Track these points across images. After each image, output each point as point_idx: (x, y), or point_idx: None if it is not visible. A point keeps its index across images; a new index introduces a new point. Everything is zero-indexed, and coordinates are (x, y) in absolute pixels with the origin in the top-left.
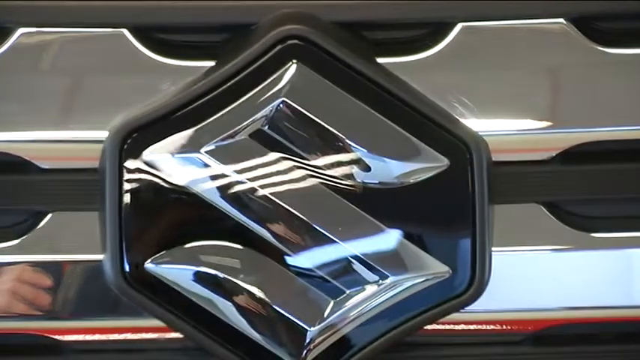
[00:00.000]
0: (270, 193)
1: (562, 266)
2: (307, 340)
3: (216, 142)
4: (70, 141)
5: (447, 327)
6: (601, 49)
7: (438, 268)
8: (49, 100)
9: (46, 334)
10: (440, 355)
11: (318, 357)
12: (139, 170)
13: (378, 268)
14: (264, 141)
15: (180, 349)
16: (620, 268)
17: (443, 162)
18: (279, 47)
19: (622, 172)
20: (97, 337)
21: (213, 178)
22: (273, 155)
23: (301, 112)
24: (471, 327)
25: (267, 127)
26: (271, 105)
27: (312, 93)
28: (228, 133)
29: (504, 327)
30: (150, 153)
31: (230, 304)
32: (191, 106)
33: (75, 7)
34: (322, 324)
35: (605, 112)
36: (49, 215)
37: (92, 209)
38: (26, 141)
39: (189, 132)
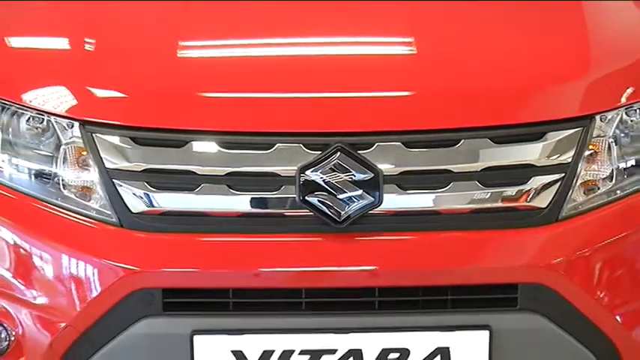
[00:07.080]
0: (332, 182)
1: (402, 200)
2: (342, 213)
3: (320, 172)
4: (288, 170)
5: (375, 212)
6: (411, 151)
7: (371, 199)
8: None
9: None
10: (373, 220)
11: (344, 219)
12: (303, 177)
13: (355, 200)
14: (330, 171)
15: (308, 216)
16: (415, 201)
17: (372, 174)
18: (334, 150)
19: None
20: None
21: (320, 178)
22: (332, 174)
23: (341, 164)
24: (380, 213)
25: (332, 167)
26: (332, 163)
27: (344, 160)
28: (323, 169)
29: (388, 211)
30: (306, 172)
31: (320, 204)
32: (313, 166)
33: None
34: (344, 213)
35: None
36: (284, 186)
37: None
38: (284, 170)
39: (313, 168)
